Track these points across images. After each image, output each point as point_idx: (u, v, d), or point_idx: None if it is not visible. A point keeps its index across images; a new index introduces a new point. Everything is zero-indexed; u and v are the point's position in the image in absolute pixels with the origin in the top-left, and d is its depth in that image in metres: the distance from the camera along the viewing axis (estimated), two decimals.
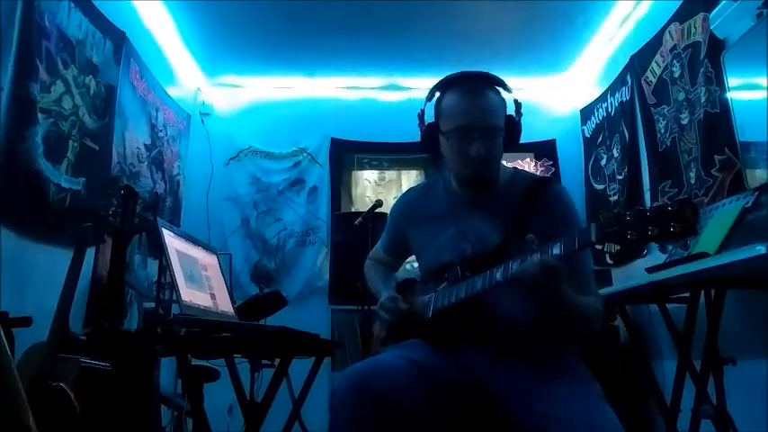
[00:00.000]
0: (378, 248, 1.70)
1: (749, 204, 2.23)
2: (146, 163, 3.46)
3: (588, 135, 4.18)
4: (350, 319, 3.80)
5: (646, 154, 3.31)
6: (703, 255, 2.08)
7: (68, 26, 2.60)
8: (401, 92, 4.44)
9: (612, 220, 0.98)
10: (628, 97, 3.54)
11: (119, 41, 3.07)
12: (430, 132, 1.40)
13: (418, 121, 1.43)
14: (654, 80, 3.21)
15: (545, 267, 1.05)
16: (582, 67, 4.16)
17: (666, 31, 3.07)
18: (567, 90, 4.40)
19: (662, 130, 3.12)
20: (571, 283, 1.14)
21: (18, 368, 1.06)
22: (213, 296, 2.09)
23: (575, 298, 1.16)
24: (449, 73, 1.39)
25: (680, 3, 2.94)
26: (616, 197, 3.68)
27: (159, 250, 1.99)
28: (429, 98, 1.41)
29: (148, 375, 1.95)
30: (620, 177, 3.63)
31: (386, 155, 4.40)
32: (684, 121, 2.89)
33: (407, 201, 1.56)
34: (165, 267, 1.99)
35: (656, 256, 3.00)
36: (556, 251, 1.06)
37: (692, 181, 2.80)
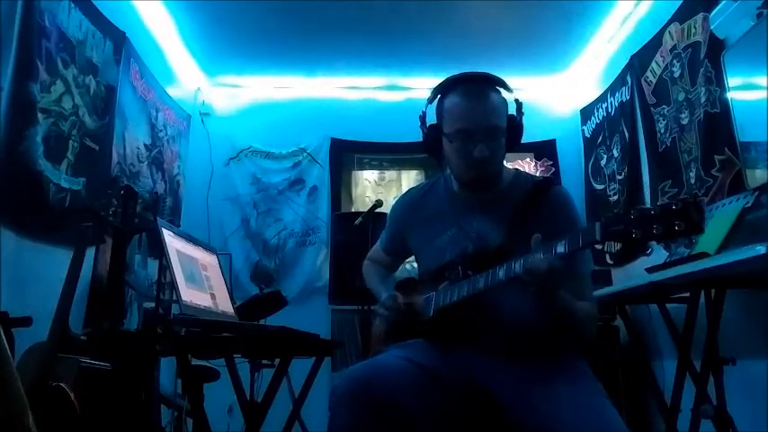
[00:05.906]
0: (377, 249, 1.69)
1: (749, 204, 2.23)
2: (146, 163, 3.46)
3: (588, 135, 4.17)
4: (350, 319, 3.80)
5: (646, 154, 3.31)
6: (703, 255, 2.08)
7: (68, 26, 2.59)
8: (401, 92, 4.43)
9: (617, 219, 0.97)
10: (628, 97, 3.54)
11: (119, 41, 3.07)
12: (432, 134, 1.39)
13: (420, 123, 1.43)
14: (654, 80, 3.21)
15: (548, 266, 1.04)
16: (582, 66, 4.15)
17: (666, 31, 3.07)
18: (567, 90, 4.40)
19: (662, 130, 3.12)
20: (568, 285, 1.14)
21: (18, 368, 1.06)
22: (213, 296, 2.09)
23: (571, 303, 1.17)
24: (449, 73, 1.38)
25: (680, 3, 2.94)
26: (616, 197, 3.68)
27: (159, 250, 1.99)
28: (431, 100, 1.41)
29: (148, 375, 1.95)
30: (620, 177, 3.62)
31: (386, 155, 4.40)
32: (684, 121, 2.89)
33: (407, 201, 1.55)
34: (165, 267, 1.98)
35: (655, 256, 3.00)
36: (560, 249, 1.05)
37: (692, 181, 2.80)
